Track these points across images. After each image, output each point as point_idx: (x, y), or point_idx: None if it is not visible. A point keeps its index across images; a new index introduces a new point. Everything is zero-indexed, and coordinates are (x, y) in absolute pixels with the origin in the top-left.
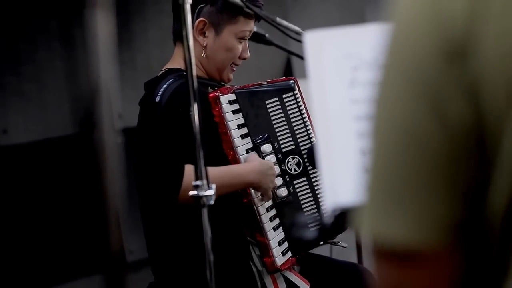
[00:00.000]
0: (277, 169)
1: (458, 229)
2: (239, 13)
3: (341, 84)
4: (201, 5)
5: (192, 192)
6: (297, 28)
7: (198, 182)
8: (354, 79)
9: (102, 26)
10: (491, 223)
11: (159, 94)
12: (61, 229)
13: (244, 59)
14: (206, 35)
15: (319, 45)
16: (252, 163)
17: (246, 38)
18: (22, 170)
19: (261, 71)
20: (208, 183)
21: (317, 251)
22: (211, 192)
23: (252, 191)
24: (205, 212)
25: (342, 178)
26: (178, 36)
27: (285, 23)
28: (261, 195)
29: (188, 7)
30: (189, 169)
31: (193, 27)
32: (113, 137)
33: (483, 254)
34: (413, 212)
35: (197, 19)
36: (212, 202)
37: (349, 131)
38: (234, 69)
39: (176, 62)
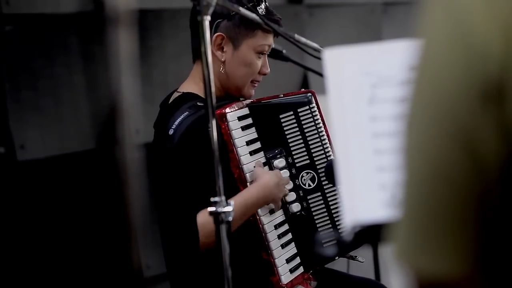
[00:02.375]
0: (290, 184)
1: (492, 259)
2: (257, 27)
3: (360, 101)
4: (219, 20)
5: (211, 208)
6: (315, 45)
7: (217, 199)
8: (373, 96)
9: (124, 42)
10: None
11: (173, 127)
12: (78, 244)
13: (265, 74)
14: (224, 50)
15: (338, 62)
16: (259, 181)
17: (265, 52)
18: (39, 185)
19: (278, 87)
20: (226, 200)
21: (334, 266)
22: (229, 208)
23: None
24: (223, 228)
25: (361, 195)
26: (198, 54)
27: (303, 39)
28: (269, 211)
29: (207, 24)
30: (202, 216)
31: (210, 42)
32: (132, 152)
33: None
34: (447, 246)
35: (214, 33)
36: (230, 219)
37: (368, 148)
38: (255, 85)
39: (193, 82)
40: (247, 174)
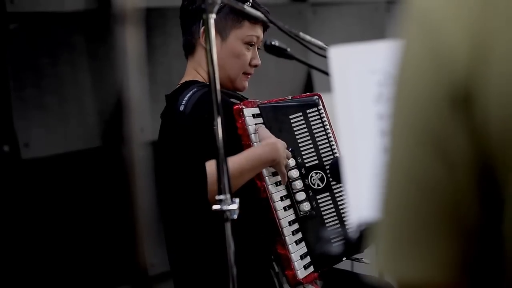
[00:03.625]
0: (300, 184)
1: (471, 265)
2: (244, 18)
3: (367, 99)
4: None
5: (216, 207)
6: (320, 43)
7: (222, 196)
8: (380, 94)
9: (130, 41)
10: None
11: (183, 103)
12: (83, 242)
13: (255, 66)
14: None
15: (344, 60)
16: (265, 141)
17: (253, 43)
18: (44, 184)
19: (281, 85)
20: (231, 197)
21: (339, 265)
22: (234, 206)
23: (273, 195)
24: (228, 226)
25: (368, 193)
26: (188, 50)
27: (308, 37)
28: (283, 208)
29: (212, 22)
30: (210, 165)
31: (199, 36)
32: (139, 150)
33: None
34: (427, 253)
35: (202, 27)
36: (235, 216)
37: (374, 146)
38: (249, 77)
39: (191, 75)
40: (263, 170)
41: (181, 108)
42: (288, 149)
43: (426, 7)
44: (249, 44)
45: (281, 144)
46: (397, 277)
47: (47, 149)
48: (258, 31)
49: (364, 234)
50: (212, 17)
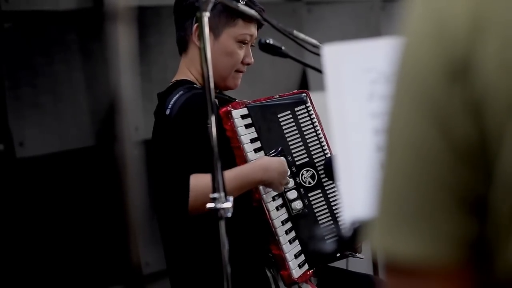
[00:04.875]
0: (291, 182)
1: (469, 244)
2: (238, 16)
3: (360, 97)
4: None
5: (210, 205)
6: (314, 41)
7: (216, 195)
8: (373, 92)
9: (123, 39)
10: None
11: (169, 107)
12: (77, 241)
13: (248, 64)
14: None
15: (337, 58)
16: (257, 161)
17: (247, 42)
18: (38, 183)
19: (276, 83)
20: (225, 196)
21: (333, 263)
22: (228, 204)
23: (264, 196)
24: (222, 224)
25: (361, 190)
26: (182, 46)
27: (302, 35)
28: (276, 208)
29: (206, 20)
30: (195, 179)
31: (191, 33)
32: (131, 149)
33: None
34: (423, 229)
35: (195, 24)
36: (229, 215)
37: (368, 144)
38: (240, 75)
39: (183, 73)
40: None
41: (167, 112)
42: (277, 149)
43: None
44: (242, 42)
45: (276, 166)
46: (391, 253)
47: (42, 148)
48: (252, 30)
49: (357, 231)
50: (206, 15)
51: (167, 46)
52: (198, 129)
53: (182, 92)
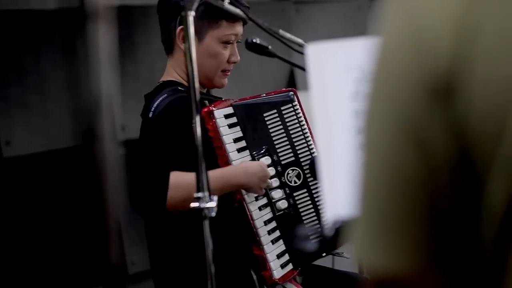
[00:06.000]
0: (276, 182)
1: (444, 255)
2: (221, 17)
3: (344, 96)
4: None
5: (194, 204)
6: (300, 40)
7: (200, 194)
8: (357, 91)
9: (104, 38)
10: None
11: (152, 110)
12: (63, 241)
13: (234, 62)
14: None
15: (321, 57)
16: (240, 165)
17: (231, 42)
18: (25, 182)
19: (264, 82)
20: (210, 195)
21: (319, 262)
22: (212, 204)
23: (245, 196)
24: (206, 224)
25: (344, 190)
26: (168, 47)
27: (288, 35)
28: (259, 208)
29: (191, 19)
30: (175, 176)
31: (175, 36)
32: (114, 149)
33: (475, 272)
34: (399, 240)
35: (178, 27)
36: (213, 214)
37: (350, 144)
38: (227, 74)
39: (169, 74)
40: None
41: (150, 114)
42: (262, 148)
43: None
44: (227, 42)
45: (256, 170)
46: (370, 265)
47: (29, 147)
48: (237, 29)
49: (340, 231)
50: (191, 14)
51: (155, 45)
52: (178, 130)
53: (166, 95)
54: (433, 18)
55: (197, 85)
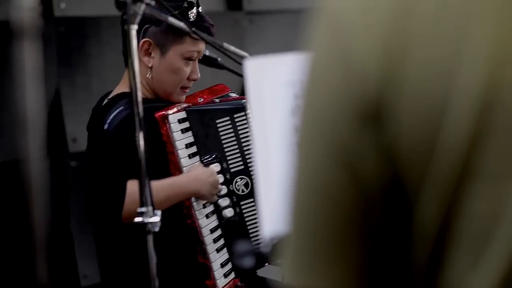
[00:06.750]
0: (224, 190)
1: (376, 276)
2: (186, 34)
3: (282, 111)
4: (147, 25)
5: (138, 219)
6: (244, 53)
7: (143, 209)
8: (296, 106)
9: (30, 56)
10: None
11: (107, 122)
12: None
13: (194, 80)
14: (152, 55)
15: (259, 72)
16: (191, 172)
17: (193, 58)
18: None
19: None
20: (153, 210)
21: (270, 273)
22: (156, 218)
23: (194, 203)
24: (150, 239)
25: (280, 206)
26: (127, 59)
27: (232, 48)
28: (206, 216)
29: (134, 33)
30: (132, 185)
31: (138, 48)
32: (41, 166)
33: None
34: (328, 264)
35: (142, 39)
36: (157, 229)
37: (288, 159)
38: (186, 90)
39: (126, 85)
40: None
41: (106, 126)
42: (213, 154)
43: (336, 8)
44: (189, 59)
45: (207, 176)
46: (300, 287)
47: None
48: (200, 46)
49: (276, 247)
50: (134, 28)
51: (108, 57)
52: (134, 144)
53: (123, 107)
54: (360, 38)
55: (140, 99)
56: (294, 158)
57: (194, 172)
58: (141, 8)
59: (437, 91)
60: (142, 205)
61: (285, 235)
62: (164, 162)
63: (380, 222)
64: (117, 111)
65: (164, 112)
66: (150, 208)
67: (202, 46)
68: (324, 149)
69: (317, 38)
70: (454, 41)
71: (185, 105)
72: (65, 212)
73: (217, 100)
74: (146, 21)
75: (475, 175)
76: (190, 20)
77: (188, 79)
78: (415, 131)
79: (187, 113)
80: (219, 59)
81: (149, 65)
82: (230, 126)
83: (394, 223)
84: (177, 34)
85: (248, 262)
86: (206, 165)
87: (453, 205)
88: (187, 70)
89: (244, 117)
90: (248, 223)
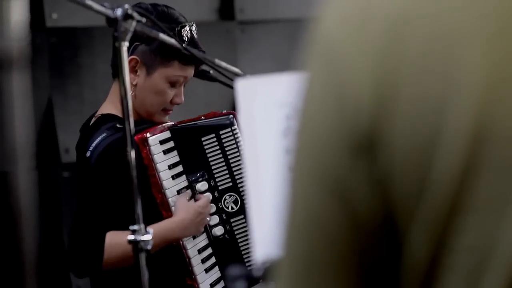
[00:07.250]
0: (213, 208)
1: None
2: (174, 57)
3: (274, 133)
4: (137, 43)
5: (130, 237)
6: (236, 70)
7: (136, 227)
8: (288, 128)
9: (17, 84)
10: None
11: (90, 149)
12: None
13: (177, 104)
14: (137, 73)
15: (250, 93)
16: (177, 217)
17: (180, 83)
18: None
19: (209, 103)
20: (145, 228)
21: None
22: (148, 236)
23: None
24: (142, 257)
25: (273, 229)
26: (115, 71)
27: (223, 64)
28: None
29: (124, 49)
30: (111, 237)
31: None
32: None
33: None
34: None
35: (130, 56)
36: (149, 247)
37: (280, 181)
38: (169, 113)
39: (111, 102)
40: (170, 199)
41: (88, 154)
42: (199, 172)
43: (330, 39)
44: (175, 83)
45: (192, 217)
46: None
47: None
48: (188, 71)
49: (268, 271)
50: (125, 45)
51: (100, 67)
52: (117, 177)
53: (105, 134)
54: (353, 72)
55: (131, 119)
56: (287, 187)
57: (180, 218)
58: (132, 25)
59: (428, 127)
60: (134, 223)
61: (278, 261)
62: (146, 186)
63: (374, 254)
64: (99, 138)
65: (144, 135)
66: (142, 226)
67: (190, 71)
68: (317, 180)
69: (311, 65)
70: (443, 77)
71: (170, 124)
72: (58, 223)
73: (203, 118)
74: (137, 39)
75: (466, 210)
76: (183, 41)
77: (171, 102)
78: (406, 166)
79: (171, 132)
80: (211, 71)
81: (134, 82)
82: (216, 143)
83: (388, 255)
84: (166, 57)
85: (239, 285)
86: (194, 184)
87: (444, 239)
88: (171, 93)
89: (231, 133)
90: (239, 240)
